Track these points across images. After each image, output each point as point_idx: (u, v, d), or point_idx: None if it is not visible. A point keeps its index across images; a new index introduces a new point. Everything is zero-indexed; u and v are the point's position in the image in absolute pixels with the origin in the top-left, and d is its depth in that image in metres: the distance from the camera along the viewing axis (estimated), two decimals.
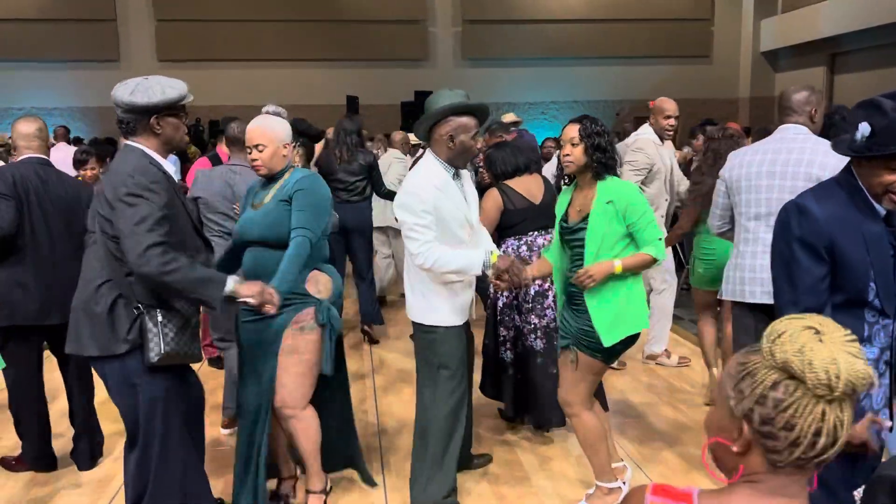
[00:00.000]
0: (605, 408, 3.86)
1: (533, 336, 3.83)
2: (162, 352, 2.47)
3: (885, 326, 2.13)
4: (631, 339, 3.00)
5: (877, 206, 2.06)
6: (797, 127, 3.18)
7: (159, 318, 2.48)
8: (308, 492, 3.23)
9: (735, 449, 1.14)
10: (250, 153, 3.00)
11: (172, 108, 2.57)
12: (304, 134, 4.61)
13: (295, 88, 16.02)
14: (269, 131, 2.98)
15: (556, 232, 3.17)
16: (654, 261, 2.93)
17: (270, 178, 3.06)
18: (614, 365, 5.08)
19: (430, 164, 3.00)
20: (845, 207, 2.06)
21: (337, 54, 16.40)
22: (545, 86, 17.15)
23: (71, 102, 15.91)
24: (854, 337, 1.12)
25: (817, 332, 1.11)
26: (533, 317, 3.82)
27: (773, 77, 17.44)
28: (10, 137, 3.62)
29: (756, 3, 17.01)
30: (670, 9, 17.23)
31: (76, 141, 11.23)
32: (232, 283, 2.50)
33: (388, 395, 4.75)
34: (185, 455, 2.67)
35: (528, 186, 3.89)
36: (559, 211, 3.15)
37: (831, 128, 3.93)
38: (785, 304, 2.11)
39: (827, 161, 2.95)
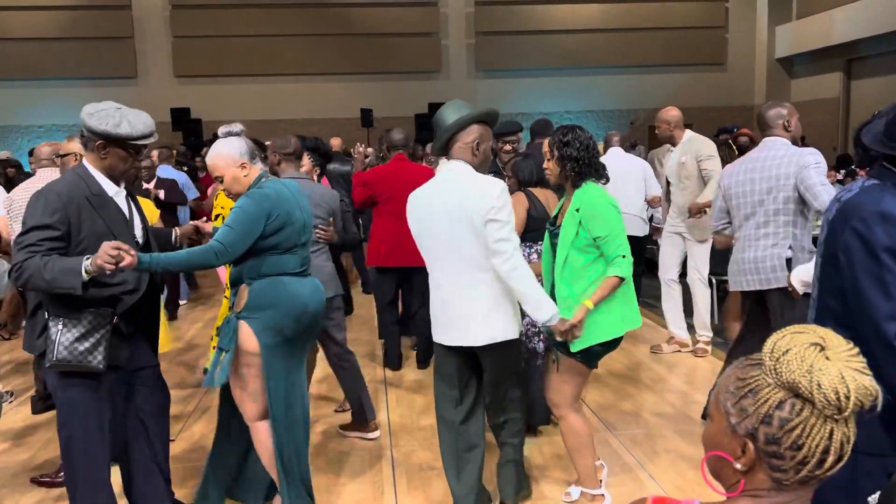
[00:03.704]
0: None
1: (536, 338, 3.97)
2: (54, 359, 2.63)
3: None
4: (611, 344, 3.08)
5: None
6: (775, 139, 3.84)
7: (60, 327, 2.64)
8: None
9: (738, 466, 1.12)
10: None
11: (120, 142, 2.70)
12: (315, 151, 4.66)
13: (309, 102, 16.16)
14: (219, 160, 3.00)
15: (546, 234, 3.28)
16: (621, 280, 3.00)
17: None
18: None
19: (471, 170, 2.90)
20: None
21: (351, 68, 16.51)
22: (559, 96, 17.15)
23: None
24: (857, 350, 1.09)
25: (822, 349, 1.08)
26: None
27: (788, 83, 17.32)
28: (59, 154, 3.80)
29: (770, 10, 16.93)
30: (684, 17, 17.19)
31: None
32: (86, 264, 2.51)
33: (400, 405, 4.75)
34: (86, 463, 2.79)
35: (547, 198, 4.04)
36: (554, 214, 3.29)
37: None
38: (879, 320, 1.97)
39: (790, 170, 3.68)
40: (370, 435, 4.22)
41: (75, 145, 3.70)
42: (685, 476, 3.67)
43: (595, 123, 17.09)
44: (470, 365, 3.04)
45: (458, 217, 2.81)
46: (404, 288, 5.51)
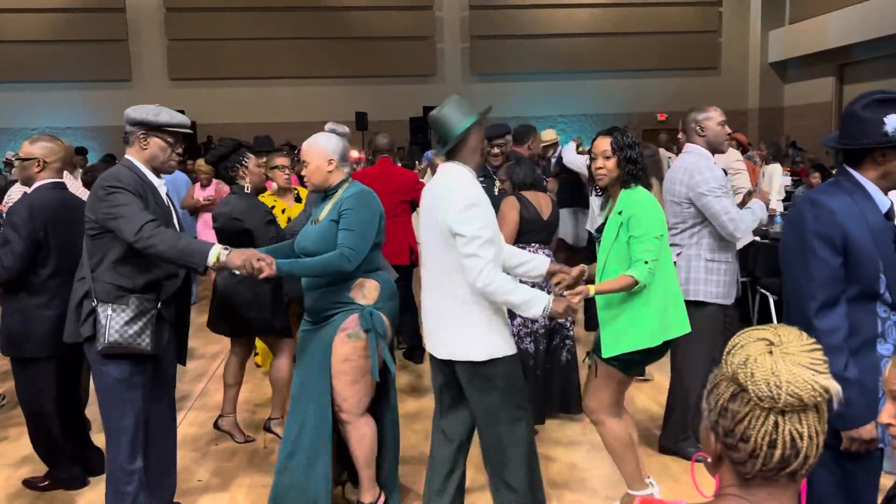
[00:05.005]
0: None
1: (528, 339, 4.04)
2: (105, 342, 2.75)
3: (895, 323, 2.19)
4: (653, 353, 2.99)
5: (879, 200, 2.17)
6: (688, 146, 3.78)
7: (109, 313, 2.76)
8: (359, 503, 3.23)
9: (708, 460, 1.16)
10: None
11: (160, 130, 2.89)
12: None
13: (304, 105, 16.15)
14: (312, 148, 3.12)
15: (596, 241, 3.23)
16: (635, 283, 2.85)
17: (327, 193, 3.14)
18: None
19: (467, 175, 2.80)
20: (851, 203, 2.15)
21: (346, 71, 16.53)
22: (553, 100, 17.19)
23: (84, 122, 16.10)
24: (815, 347, 1.12)
25: (770, 344, 1.11)
26: (528, 320, 4.03)
27: (781, 88, 17.41)
28: (14, 155, 3.63)
29: (763, 15, 17.03)
30: (678, 21, 17.26)
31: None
32: (218, 253, 2.71)
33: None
34: (132, 444, 2.91)
35: (539, 201, 4.14)
36: (600, 221, 3.17)
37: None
38: (803, 298, 2.14)
39: (682, 189, 3.62)
40: None
41: (37, 149, 3.51)
42: (677, 478, 3.68)
43: (590, 127, 17.12)
44: (448, 373, 2.94)
45: (433, 223, 2.80)
46: None
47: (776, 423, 1.08)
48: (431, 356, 2.99)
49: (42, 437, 3.64)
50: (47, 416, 3.60)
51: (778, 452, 1.09)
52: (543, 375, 4.16)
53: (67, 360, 3.57)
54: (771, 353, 1.10)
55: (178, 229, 3.00)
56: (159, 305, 2.86)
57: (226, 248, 2.74)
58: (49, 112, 15.91)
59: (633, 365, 3.03)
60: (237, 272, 2.79)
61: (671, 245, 3.69)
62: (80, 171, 6.78)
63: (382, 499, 3.22)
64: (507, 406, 2.84)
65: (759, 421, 1.09)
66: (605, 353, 2.96)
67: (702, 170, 3.59)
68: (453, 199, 2.71)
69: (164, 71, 16.35)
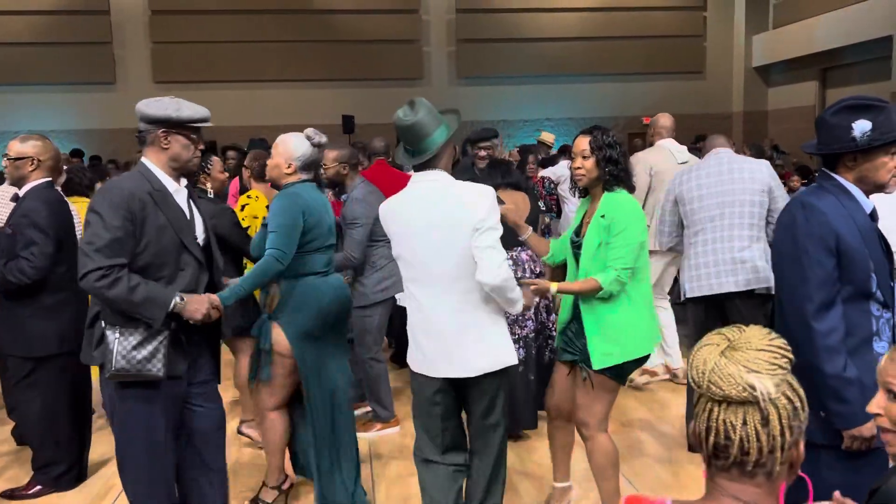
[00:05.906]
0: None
1: (516, 345, 4.01)
2: (112, 368, 2.52)
3: (888, 321, 2.23)
4: (642, 360, 2.94)
5: (862, 202, 2.21)
6: (727, 149, 3.96)
7: (117, 336, 2.52)
8: (263, 484, 3.47)
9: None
10: None
11: (182, 127, 2.62)
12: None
13: (291, 108, 16.10)
14: (280, 145, 3.24)
15: (566, 244, 3.10)
16: (599, 289, 2.78)
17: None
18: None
19: (452, 178, 2.74)
20: (839, 204, 2.19)
21: (332, 74, 16.49)
22: (539, 103, 17.24)
23: (68, 125, 15.96)
24: (767, 349, 1.15)
25: (726, 339, 1.18)
26: (516, 327, 4.02)
27: (765, 92, 17.56)
28: (9, 157, 3.56)
29: (747, 19, 17.17)
30: (663, 26, 17.37)
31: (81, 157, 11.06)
32: (176, 302, 2.56)
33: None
34: (150, 474, 2.68)
35: (517, 201, 4.01)
36: (574, 223, 3.08)
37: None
38: (799, 301, 2.15)
39: (764, 177, 3.77)
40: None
41: (30, 148, 3.41)
42: (661, 478, 3.70)
43: (575, 131, 17.13)
44: (455, 397, 2.79)
45: (449, 230, 2.59)
46: None
47: (711, 410, 1.15)
48: (431, 381, 2.74)
49: (47, 434, 3.63)
50: (58, 414, 3.59)
51: (712, 439, 1.15)
52: (535, 380, 4.11)
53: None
54: (717, 345, 1.16)
55: (198, 237, 2.74)
56: (173, 325, 2.59)
57: (181, 297, 2.56)
58: (33, 115, 15.74)
59: (626, 373, 2.96)
60: (193, 322, 2.61)
61: (746, 237, 3.68)
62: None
63: (287, 483, 3.46)
64: (503, 415, 2.82)
65: (701, 406, 1.17)
66: (597, 365, 2.83)
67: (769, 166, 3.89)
68: (477, 198, 2.59)
69: (148, 74, 16.24)
